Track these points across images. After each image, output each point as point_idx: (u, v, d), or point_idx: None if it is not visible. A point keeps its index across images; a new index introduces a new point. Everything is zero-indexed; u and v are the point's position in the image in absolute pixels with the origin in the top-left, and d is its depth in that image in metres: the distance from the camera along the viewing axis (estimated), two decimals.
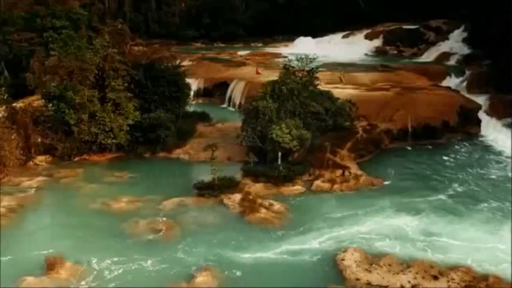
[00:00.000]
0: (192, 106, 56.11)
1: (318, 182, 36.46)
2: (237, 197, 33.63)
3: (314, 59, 43.14)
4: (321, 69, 50.80)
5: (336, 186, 35.95)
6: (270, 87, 40.36)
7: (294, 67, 42.70)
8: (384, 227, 30.64)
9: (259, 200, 33.02)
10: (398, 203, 33.83)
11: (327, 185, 36.13)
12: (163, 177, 38.87)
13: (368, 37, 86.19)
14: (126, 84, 42.48)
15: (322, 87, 44.97)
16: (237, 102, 57.41)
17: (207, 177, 35.29)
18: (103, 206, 33.29)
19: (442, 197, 35.34)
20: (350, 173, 38.07)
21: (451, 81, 61.29)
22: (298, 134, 37.33)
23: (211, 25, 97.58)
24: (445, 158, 43.12)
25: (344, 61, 72.30)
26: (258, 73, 61.08)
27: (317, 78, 43.03)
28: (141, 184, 37.26)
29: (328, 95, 44.14)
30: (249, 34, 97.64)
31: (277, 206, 32.67)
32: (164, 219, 31.34)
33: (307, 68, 43.72)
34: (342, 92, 50.56)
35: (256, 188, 35.65)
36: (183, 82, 46.75)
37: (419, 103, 48.76)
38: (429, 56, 76.47)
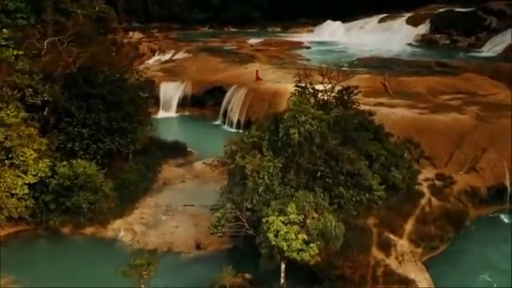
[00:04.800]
0: (172, 122, 37.63)
1: None
2: None
3: (351, 71, 23.59)
4: (355, 69, 31.58)
5: None
6: (268, 126, 20.65)
7: (314, 86, 23.15)
8: None
9: None
10: None
11: None
12: None
13: (411, 22, 66.12)
14: (23, 113, 23.25)
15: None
16: (235, 119, 38.10)
17: None
18: None
19: None
20: None
21: None
22: (320, 227, 17.90)
23: (221, 6, 78.82)
24: None
25: (383, 54, 52.50)
26: (258, 79, 40.70)
27: (357, 108, 23.40)
28: None
29: (373, 129, 24.39)
30: (265, 17, 79.19)
31: None
32: None
33: (339, 86, 24.32)
34: (390, 113, 31.16)
35: None
36: (135, 103, 27.01)
37: None
38: (492, 47, 56.56)
